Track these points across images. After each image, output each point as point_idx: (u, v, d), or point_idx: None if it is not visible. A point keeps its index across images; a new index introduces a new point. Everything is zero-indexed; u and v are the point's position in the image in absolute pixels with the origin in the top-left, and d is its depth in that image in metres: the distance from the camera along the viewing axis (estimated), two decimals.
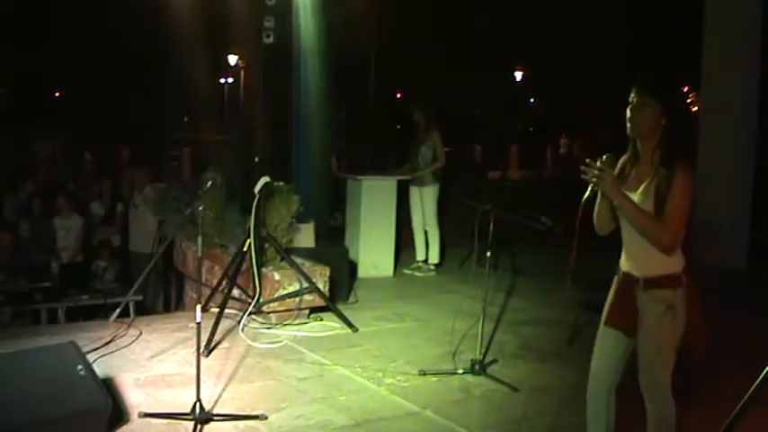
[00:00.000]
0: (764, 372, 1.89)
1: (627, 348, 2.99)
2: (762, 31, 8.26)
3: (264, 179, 5.53)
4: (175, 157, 15.26)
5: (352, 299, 6.49)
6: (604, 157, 2.84)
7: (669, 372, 2.89)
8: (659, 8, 16.45)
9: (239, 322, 5.40)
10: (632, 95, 2.78)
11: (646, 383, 2.93)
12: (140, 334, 5.21)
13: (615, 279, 3.02)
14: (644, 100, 2.74)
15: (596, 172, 2.74)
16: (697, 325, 2.88)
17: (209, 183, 6.03)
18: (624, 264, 2.96)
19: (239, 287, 5.70)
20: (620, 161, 2.91)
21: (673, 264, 2.82)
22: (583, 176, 2.79)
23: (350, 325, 5.56)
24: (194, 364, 3.71)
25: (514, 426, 3.89)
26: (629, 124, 2.78)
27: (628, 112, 2.78)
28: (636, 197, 2.79)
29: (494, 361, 4.83)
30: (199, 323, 3.68)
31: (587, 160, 2.79)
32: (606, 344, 3.02)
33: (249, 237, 5.39)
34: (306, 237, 6.54)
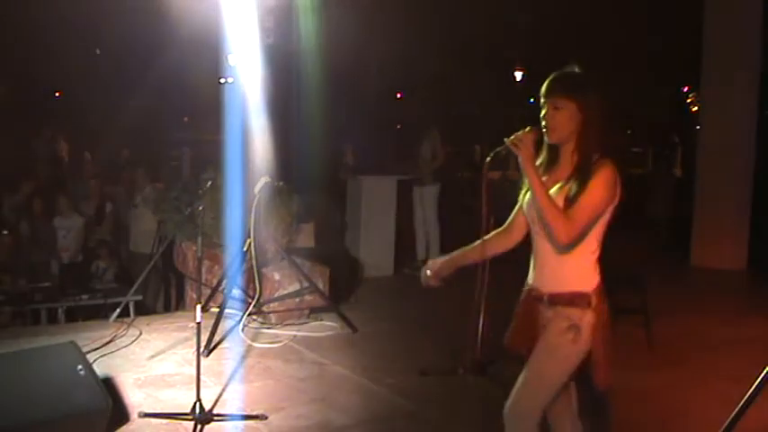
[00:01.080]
0: (764, 372, 1.89)
1: None
2: (762, 31, 8.26)
3: (264, 179, 5.53)
4: (175, 157, 15.25)
5: (352, 299, 6.49)
6: (527, 128, 2.52)
7: (543, 403, 2.54)
8: (659, 8, 16.45)
9: (239, 322, 5.40)
10: (543, 100, 2.53)
11: (511, 409, 2.60)
12: (140, 334, 5.21)
13: (521, 295, 2.72)
14: (556, 102, 2.49)
15: (520, 134, 2.49)
16: (605, 356, 2.49)
17: (209, 183, 6.02)
18: (531, 277, 2.67)
19: (239, 287, 5.70)
20: (537, 163, 2.61)
21: (582, 280, 2.51)
22: (505, 139, 2.52)
23: (350, 325, 5.56)
24: (194, 364, 3.71)
25: None
26: (544, 131, 2.53)
27: (541, 118, 2.54)
28: (559, 199, 2.51)
29: (494, 361, 4.82)
30: (199, 323, 3.69)
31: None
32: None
33: (249, 237, 5.39)
34: (306, 237, 6.55)
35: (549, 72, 2.63)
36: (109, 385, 4.02)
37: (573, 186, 2.47)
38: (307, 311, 5.79)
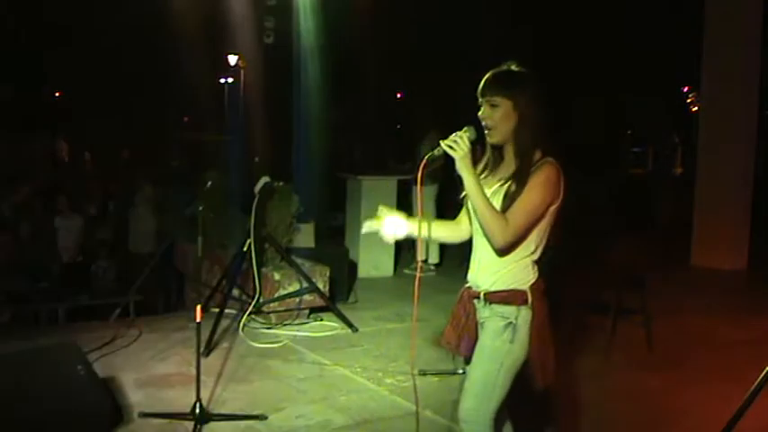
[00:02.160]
0: (764, 372, 1.89)
1: None
2: (762, 31, 8.26)
3: (264, 179, 5.53)
4: (175, 157, 15.26)
5: (352, 299, 6.49)
6: (465, 128, 2.50)
7: (494, 404, 2.49)
8: (659, 8, 16.45)
9: (239, 322, 5.40)
10: (480, 99, 2.52)
11: (464, 413, 2.56)
12: (140, 334, 5.21)
13: (459, 293, 2.70)
14: (491, 100, 2.47)
15: (456, 136, 2.46)
16: (542, 354, 2.49)
17: (209, 183, 6.03)
18: (469, 275, 2.64)
19: (239, 287, 5.70)
20: (481, 164, 2.62)
21: (520, 279, 2.48)
22: (441, 141, 2.51)
23: (350, 325, 5.56)
24: (194, 364, 3.71)
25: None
26: (486, 132, 2.51)
27: (479, 116, 2.51)
28: (489, 192, 2.50)
29: None
30: (199, 323, 3.68)
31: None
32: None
33: (249, 237, 5.39)
34: (306, 237, 6.55)
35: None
36: (109, 385, 4.03)
37: (512, 185, 2.45)
38: (307, 311, 5.79)
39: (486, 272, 2.54)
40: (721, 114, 8.34)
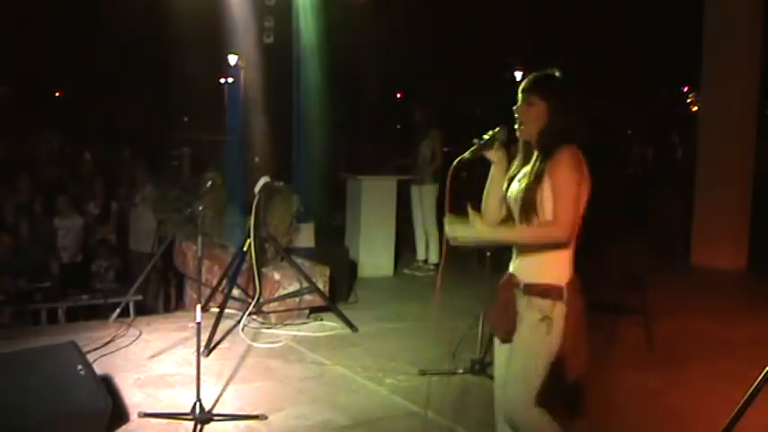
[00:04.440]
0: (764, 372, 1.89)
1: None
2: (762, 31, 8.26)
3: (264, 179, 5.53)
4: (175, 157, 15.24)
5: (352, 299, 6.49)
6: (497, 128, 2.73)
7: (533, 391, 2.63)
8: (659, 8, 16.45)
9: (239, 322, 5.40)
10: (520, 95, 2.69)
11: (506, 405, 2.75)
12: (140, 334, 5.21)
13: (502, 280, 2.84)
14: (530, 99, 2.66)
15: (489, 136, 2.70)
16: (576, 347, 2.62)
17: (209, 183, 6.02)
18: (511, 264, 2.79)
19: (239, 287, 5.70)
20: (514, 164, 2.78)
21: (558, 274, 2.61)
22: (475, 140, 2.72)
23: (350, 325, 5.56)
24: (194, 364, 3.71)
25: None
26: (516, 126, 2.70)
27: (514, 109, 2.70)
28: (521, 186, 2.65)
29: (493, 361, 4.82)
30: (199, 323, 3.69)
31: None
32: (501, 354, 2.87)
33: (249, 237, 5.39)
34: (306, 237, 6.55)
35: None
36: (109, 385, 4.02)
37: (530, 175, 2.60)
38: (307, 311, 5.79)
39: (526, 263, 2.68)
40: (721, 114, 8.34)
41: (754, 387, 1.88)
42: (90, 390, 3.45)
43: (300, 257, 5.92)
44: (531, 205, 2.57)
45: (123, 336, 5.13)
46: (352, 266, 7.06)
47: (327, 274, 5.86)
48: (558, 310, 2.59)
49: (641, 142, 20.74)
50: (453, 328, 5.13)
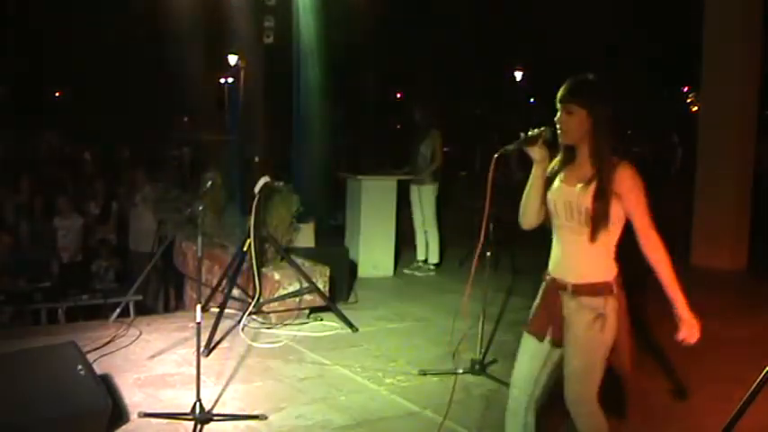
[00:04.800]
0: (764, 372, 1.89)
1: (549, 359, 2.84)
2: (762, 31, 8.26)
3: (264, 179, 5.53)
4: (175, 157, 15.27)
5: (352, 299, 6.49)
6: (543, 128, 2.75)
7: (596, 386, 2.73)
8: (659, 8, 16.46)
9: (239, 322, 5.40)
10: (558, 105, 2.72)
11: (571, 398, 2.77)
12: (140, 334, 5.21)
13: (543, 284, 2.87)
14: (568, 107, 2.68)
15: (534, 133, 2.73)
16: (623, 340, 2.72)
17: (209, 183, 6.03)
18: (552, 267, 2.82)
19: (239, 287, 5.70)
20: (553, 162, 2.82)
21: (604, 271, 2.70)
22: (522, 134, 2.75)
23: (350, 325, 5.56)
24: (194, 364, 3.71)
25: None
26: (559, 133, 2.73)
27: (555, 120, 2.73)
28: (575, 191, 2.69)
29: (494, 361, 4.83)
30: (199, 323, 3.69)
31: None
32: (526, 352, 2.90)
33: (249, 237, 5.39)
34: (306, 237, 6.55)
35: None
36: (109, 385, 4.02)
37: (601, 190, 2.63)
38: (307, 311, 5.79)
39: (574, 265, 2.73)
40: (721, 114, 8.34)
41: (754, 387, 1.88)
42: (90, 390, 3.46)
43: (300, 257, 5.92)
44: (604, 216, 2.63)
45: (123, 336, 5.13)
46: (352, 266, 7.06)
47: (327, 274, 5.86)
48: (611, 306, 2.67)
49: (641, 142, 20.74)
50: (453, 328, 5.13)
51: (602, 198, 2.62)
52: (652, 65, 18.96)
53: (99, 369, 4.01)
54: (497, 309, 6.06)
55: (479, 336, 4.66)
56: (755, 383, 1.88)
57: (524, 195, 2.84)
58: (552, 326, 2.78)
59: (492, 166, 2.74)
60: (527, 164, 2.83)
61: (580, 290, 2.69)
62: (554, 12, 17.14)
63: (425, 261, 7.81)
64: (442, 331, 5.44)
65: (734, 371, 3.82)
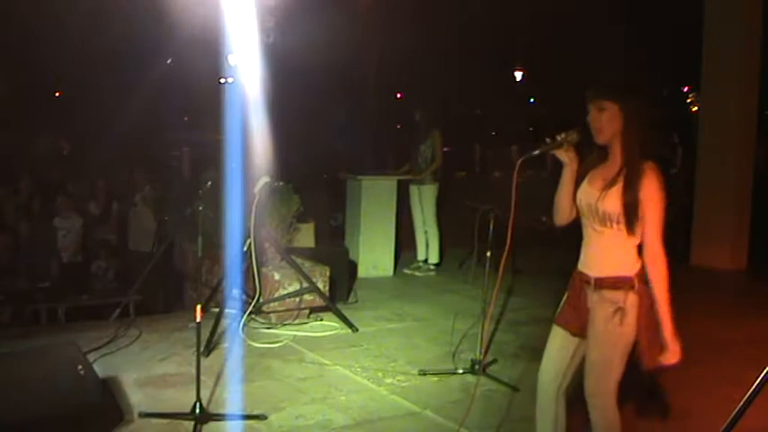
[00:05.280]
0: (764, 372, 1.89)
1: (577, 351, 2.90)
2: (762, 31, 8.26)
3: (264, 179, 5.53)
4: (175, 157, 15.23)
5: (352, 299, 6.49)
6: (570, 131, 2.77)
7: (614, 381, 2.78)
8: (659, 8, 16.46)
9: (239, 322, 5.40)
10: (588, 104, 2.75)
11: (589, 389, 2.82)
12: (140, 334, 5.21)
13: (571, 279, 2.96)
14: (600, 104, 2.71)
15: (562, 139, 2.75)
16: (650, 337, 2.73)
17: (209, 183, 6.03)
18: (581, 262, 2.91)
19: (239, 287, 5.70)
20: (585, 163, 2.86)
21: (627, 266, 2.75)
22: (547, 140, 2.77)
23: (350, 325, 5.56)
24: (194, 364, 3.71)
25: (514, 426, 3.89)
26: (592, 131, 2.75)
27: (588, 120, 2.75)
28: (596, 193, 2.75)
29: (494, 361, 4.83)
30: (199, 323, 3.69)
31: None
32: (554, 344, 2.96)
33: (249, 237, 5.39)
34: (306, 237, 6.55)
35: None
36: (109, 385, 4.03)
37: (626, 190, 2.67)
38: (307, 311, 5.79)
39: (597, 260, 2.80)
40: (721, 114, 8.35)
41: (753, 387, 1.88)
42: (90, 390, 3.46)
43: (300, 257, 5.92)
44: (636, 217, 2.67)
45: (123, 336, 5.13)
46: (352, 266, 7.06)
47: (327, 274, 5.86)
48: (631, 301, 2.71)
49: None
50: (453, 328, 5.13)
51: (632, 200, 2.66)
52: (652, 65, 18.94)
53: (99, 369, 4.01)
54: (497, 309, 6.07)
55: (479, 336, 4.66)
56: (755, 384, 1.88)
57: (556, 194, 2.92)
58: (578, 318, 2.85)
59: (515, 171, 2.77)
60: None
61: (601, 283, 2.76)
62: (554, 11, 17.14)
63: (425, 261, 7.80)
64: (441, 331, 5.44)
65: (734, 371, 3.82)
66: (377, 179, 7.53)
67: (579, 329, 2.86)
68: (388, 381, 4.50)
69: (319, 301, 5.74)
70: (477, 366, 4.58)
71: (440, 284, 7.30)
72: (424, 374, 4.58)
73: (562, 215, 2.94)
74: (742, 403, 1.86)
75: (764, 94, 8.61)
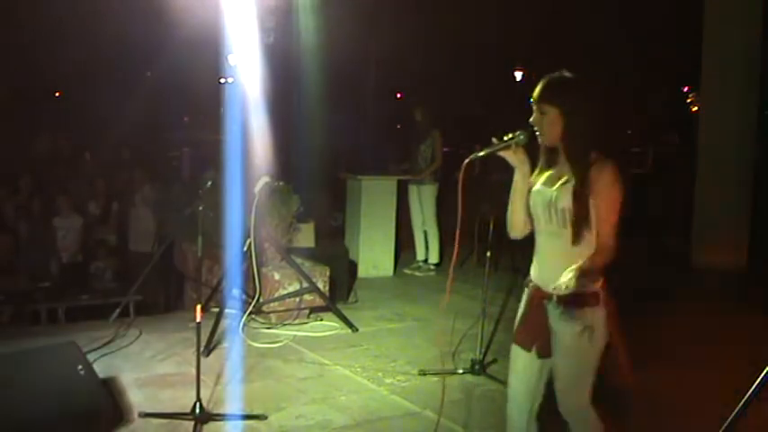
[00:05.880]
0: (764, 372, 1.88)
1: (542, 369, 2.74)
2: (762, 31, 8.26)
3: (264, 179, 5.53)
4: (175, 157, 15.23)
5: (352, 299, 6.50)
6: (518, 132, 2.64)
7: (588, 393, 2.65)
8: (659, 8, 16.46)
9: (239, 322, 5.40)
10: (533, 105, 2.63)
11: (566, 409, 2.69)
12: (140, 334, 5.21)
13: (525, 291, 2.77)
14: (541, 107, 2.59)
15: (510, 140, 2.63)
16: (616, 351, 2.62)
17: (209, 183, 6.02)
18: (535, 275, 2.71)
19: (239, 287, 5.70)
20: (537, 168, 2.72)
21: (591, 280, 2.53)
22: (494, 140, 2.65)
23: (350, 325, 5.56)
24: (194, 364, 3.71)
25: None
26: (537, 134, 2.63)
27: (530, 121, 2.64)
28: (552, 192, 2.60)
29: (494, 361, 4.83)
30: (199, 323, 3.69)
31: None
32: (518, 365, 2.78)
33: (249, 237, 5.39)
34: (306, 237, 6.55)
35: (550, 72, 2.67)
36: (109, 385, 4.03)
37: (577, 188, 2.53)
38: (307, 311, 5.79)
39: (558, 274, 2.50)
40: (721, 114, 8.34)
41: (754, 387, 1.88)
42: (90, 390, 3.46)
43: (300, 257, 5.92)
44: (584, 219, 2.52)
45: (123, 336, 5.13)
46: (352, 266, 7.07)
47: (327, 274, 5.86)
48: (598, 316, 2.56)
49: (641, 142, 20.74)
50: (453, 328, 5.13)
51: (580, 198, 2.51)
52: (652, 65, 18.95)
53: (99, 369, 4.01)
54: (497, 309, 6.06)
55: (479, 336, 4.66)
56: (755, 383, 1.88)
57: (509, 203, 2.75)
58: (539, 337, 2.67)
59: (462, 173, 2.62)
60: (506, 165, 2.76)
61: (565, 301, 2.55)
62: (554, 11, 17.14)
63: (425, 261, 7.80)
64: (441, 331, 5.44)
65: (734, 371, 3.82)
66: (377, 179, 7.53)
67: (542, 349, 2.68)
68: (388, 381, 4.50)
69: (319, 301, 5.74)
70: (477, 366, 4.58)
71: (440, 284, 7.29)
72: (424, 374, 4.58)
73: (517, 224, 2.77)
74: (742, 403, 1.86)
75: (764, 94, 8.61)
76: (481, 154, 2.65)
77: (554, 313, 2.61)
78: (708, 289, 7.31)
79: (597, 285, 2.56)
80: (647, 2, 16.90)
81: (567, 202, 2.54)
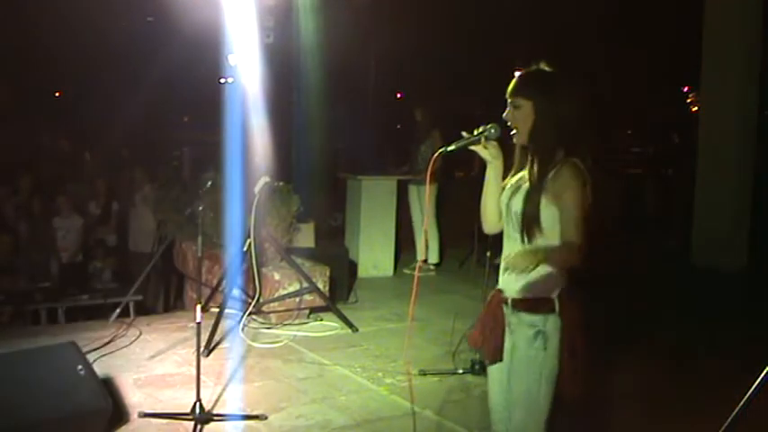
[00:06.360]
0: (764, 372, 1.89)
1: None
2: (762, 31, 8.26)
3: (264, 179, 5.53)
4: (175, 157, 15.22)
5: (352, 299, 6.50)
6: (490, 125, 2.49)
7: (543, 414, 2.46)
8: (659, 8, 16.45)
9: (239, 322, 5.40)
10: (507, 100, 2.51)
11: (514, 427, 2.51)
12: (140, 334, 5.21)
13: (489, 296, 2.65)
14: (515, 101, 2.47)
15: (480, 134, 2.48)
16: (573, 363, 2.42)
17: (209, 183, 6.03)
18: (500, 279, 2.58)
19: (239, 287, 5.70)
20: (513, 169, 2.60)
21: (548, 287, 2.42)
22: (464, 134, 2.52)
23: (350, 325, 5.56)
24: (194, 364, 3.72)
25: None
26: (512, 133, 2.50)
27: (503, 117, 2.51)
28: (508, 192, 2.53)
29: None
30: (199, 323, 3.69)
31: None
32: (492, 375, 2.64)
33: (249, 237, 5.39)
34: (306, 237, 6.55)
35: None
36: (109, 385, 4.02)
37: (531, 187, 2.42)
38: (307, 311, 5.79)
39: (513, 278, 2.46)
40: (721, 114, 8.35)
41: (754, 387, 1.88)
42: (90, 390, 3.46)
43: (300, 257, 5.92)
44: (533, 221, 2.39)
45: (123, 336, 5.14)
46: (352, 266, 7.07)
47: (327, 274, 5.86)
48: (552, 324, 2.42)
49: (641, 142, 20.75)
50: (453, 328, 5.13)
51: (532, 199, 2.39)
52: (652, 65, 18.94)
53: (99, 369, 4.00)
54: None
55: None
56: (755, 384, 1.88)
57: (482, 200, 2.64)
58: (493, 340, 2.55)
59: (430, 166, 2.53)
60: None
61: (518, 305, 2.47)
62: (553, 12, 17.14)
63: (425, 261, 7.80)
64: (442, 331, 5.43)
65: (734, 371, 3.82)
66: (377, 179, 7.53)
67: (495, 352, 2.55)
68: (388, 381, 4.50)
69: (319, 301, 5.74)
70: (477, 366, 4.58)
71: (440, 284, 7.29)
72: (424, 374, 4.58)
73: (490, 220, 2.63)
74: (742, 403, 1.86)
75: (764, 94, 8.61)
76: (451, 148, 2.52)
77: (510, 318, 2.52)
78: (707, 289, 7.31)
79: (554, 293, 2.43)
80: (647, 2, 16.91)
81: (519, 204, 2.45)
